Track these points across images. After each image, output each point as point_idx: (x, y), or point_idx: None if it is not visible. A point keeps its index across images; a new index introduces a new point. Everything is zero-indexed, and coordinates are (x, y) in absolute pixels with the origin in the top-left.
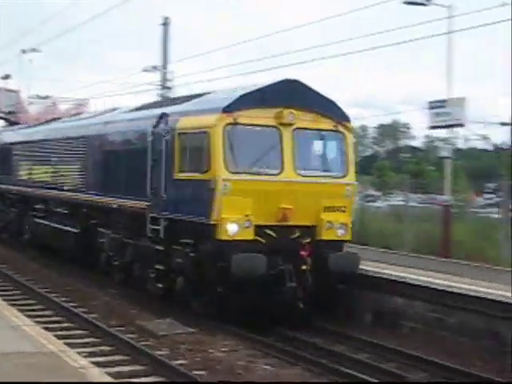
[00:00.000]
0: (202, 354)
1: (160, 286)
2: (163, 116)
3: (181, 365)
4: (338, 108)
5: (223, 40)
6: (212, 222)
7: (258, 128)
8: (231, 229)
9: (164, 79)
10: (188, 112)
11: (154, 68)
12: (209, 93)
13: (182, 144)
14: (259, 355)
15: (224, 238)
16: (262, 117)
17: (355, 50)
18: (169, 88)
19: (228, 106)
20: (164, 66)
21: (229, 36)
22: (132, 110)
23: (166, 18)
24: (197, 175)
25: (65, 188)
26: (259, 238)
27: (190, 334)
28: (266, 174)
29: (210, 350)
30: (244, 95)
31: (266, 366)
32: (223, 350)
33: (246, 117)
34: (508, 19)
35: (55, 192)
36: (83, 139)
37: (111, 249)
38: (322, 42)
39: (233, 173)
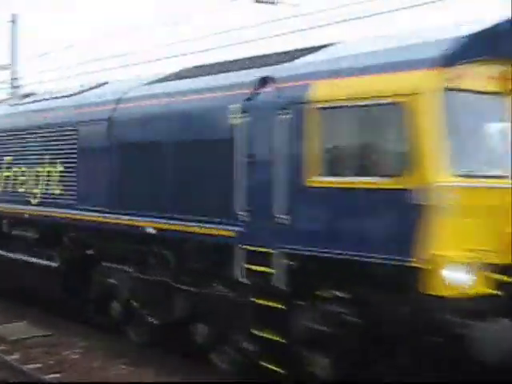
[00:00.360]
0: (57, 356)
1: (273, 368)
2: (267, 81)
3: (35, 369)
4: None
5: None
6: (414, 264)
7: (483, 96)
8: (459, 277)
9: (13, 78)
10: (334, 72)
11: (3, 67)
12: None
13: (329, 126)
14: (114, 355)
15: (445, 292)
16: (485, 76)
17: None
18: (17, 87)
19: (451, 55)
20: (13, 65)
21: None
22: (163, 80)
23: (14, 15)
24: (375, 181)
25: (33, 201)
26: (493, 290)
27: (45, 337)
28: (494, 178)
29: (66, 352)
30: (474, 35)
31: (122, 366)
32: (79, 351)
33: (468, 76)
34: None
35: (16, 207)
36: (72, 128)
37: (137, 296)
38: (174, 39)
39: (460, 176)
